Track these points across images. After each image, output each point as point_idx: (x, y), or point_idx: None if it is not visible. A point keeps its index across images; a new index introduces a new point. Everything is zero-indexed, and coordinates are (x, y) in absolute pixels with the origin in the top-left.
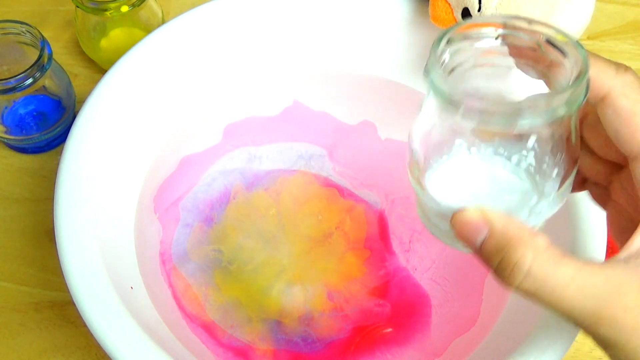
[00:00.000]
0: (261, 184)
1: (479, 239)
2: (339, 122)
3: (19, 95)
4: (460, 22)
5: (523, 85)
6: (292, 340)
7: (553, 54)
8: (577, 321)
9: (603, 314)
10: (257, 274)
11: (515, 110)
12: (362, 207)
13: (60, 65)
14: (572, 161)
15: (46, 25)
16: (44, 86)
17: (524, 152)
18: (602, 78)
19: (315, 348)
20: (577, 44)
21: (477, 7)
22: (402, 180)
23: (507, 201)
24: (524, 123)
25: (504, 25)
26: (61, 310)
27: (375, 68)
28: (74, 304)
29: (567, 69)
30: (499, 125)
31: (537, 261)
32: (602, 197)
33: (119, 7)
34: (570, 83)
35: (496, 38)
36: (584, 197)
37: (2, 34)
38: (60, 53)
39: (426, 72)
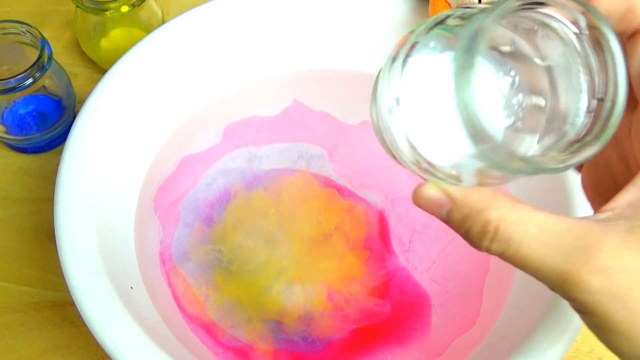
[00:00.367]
0: (261, 183)
1: (443, 212)
2: (339, 122)
3: (19, 95)
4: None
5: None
6: (292, 340)
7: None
8: (545, 282)
9: (570, 276)
10: (257, 274)
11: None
12: (362, 207)
13: (60, 65)
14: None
15: (46, 25)
16: (44, 86)
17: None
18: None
19: (315, 348)
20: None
21: None
22: (402, 180)
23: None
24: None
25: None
26: (61, 310)
27: (376, 68)
28: (74, 304)
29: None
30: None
31: (502, 222)
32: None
33: (119, 7)
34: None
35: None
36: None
37: (2, 34)
38: (60, 53)
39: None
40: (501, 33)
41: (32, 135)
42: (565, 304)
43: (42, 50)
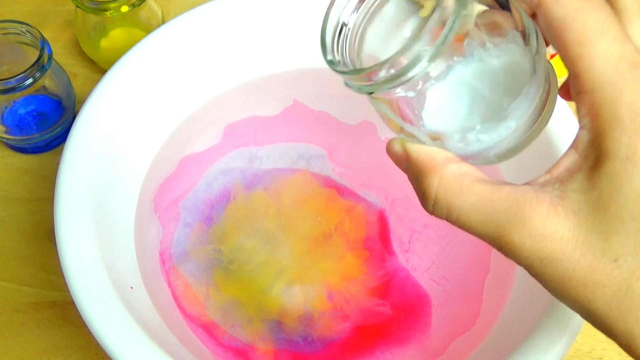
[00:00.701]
0: (261, 183)
1: (404, 167)
2: (339, 122)
3: (19, 95)
4: None
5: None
6: (293, 340)
7: None
8: (490, 244)
9: (505, 241)
10: (257, 274)
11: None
12: (361, 207)
13: (60, 65)
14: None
15: (46, 25)
16: (44, 86)
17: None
18: None
19: (315, 348)
20: None
21: None
22: (402, 180)
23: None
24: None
25: None
26: (61, 310)
27: None
28: (74, 304)
29: None
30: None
31: (441, 189)
32: None
33: (119, 7)
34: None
35: None
36: None
37: (2, 34)
38: (60, 53)
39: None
40: None
41: (32, 135)
42: None
43: (42, 50)
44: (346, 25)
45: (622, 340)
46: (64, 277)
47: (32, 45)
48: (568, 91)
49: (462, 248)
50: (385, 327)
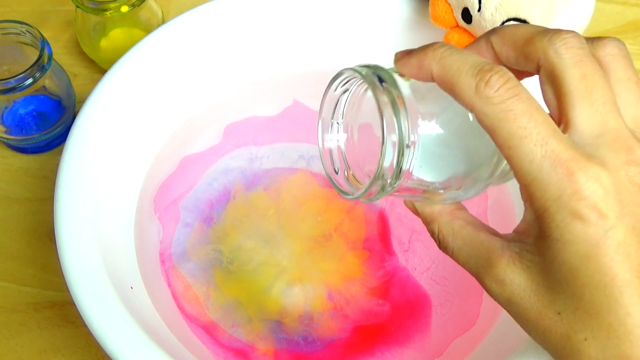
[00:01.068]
0: (261, 183)
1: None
2: None
3: (19, 95)
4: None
5: None
6: (293, 340)
7: None
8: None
9: (480, 279)
10: (257, 274)
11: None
12: (361, 208)
13: (60, 65)
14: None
15: (46, 25)
16: (44, 86)
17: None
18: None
19: (315, 348)
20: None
21: (477, 7)
22: None
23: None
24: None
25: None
26: (61, 310)
27: None
28: (74, 304)
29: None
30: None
31: (440, 234)
32: None
33: (119, 7)
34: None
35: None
36: None
37: (2, 34)
38: (60, 53)
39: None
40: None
41: (32, 135)
42: None
43: (42, 50)
44: (340, 124)
45: None
46: (64, 277)
47: (32, 45)
48: None
49: None
50: (385, 327)
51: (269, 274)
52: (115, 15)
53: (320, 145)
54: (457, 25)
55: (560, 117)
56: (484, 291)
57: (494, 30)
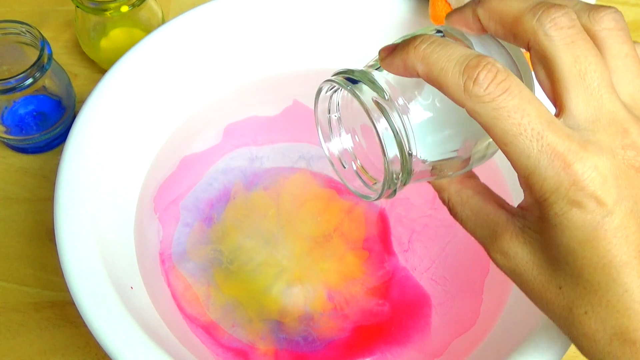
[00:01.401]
0: (261, 183)
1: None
2: None
3: (19, 95)
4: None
5: None
6: (293, 340)
7: None
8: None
9: (486, 249)
10: (257, 274)
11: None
12: (361, 208)
13: (60, 65)
14: None
15: (46, 25)
16: (44, 86)
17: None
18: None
19: (315, 348)
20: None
21: None
22: None
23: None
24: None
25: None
26: (61, 310)
27: None
28: (74, 304)
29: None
30: None
31: (450, 202)
32: None
33: (119, 7)
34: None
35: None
36: None
37: (2, 34)
38: (60, 53)
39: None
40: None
41: (32, 135)
42: None
43: (42, 50)
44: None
45: (574, 343)
46: (64, 277)
47: (32, 45)
48: None
49: (462, 248)
50: (385, 327)
51: (269, 274)
52: (115, 15)
53: (328, 154)
54: None
55: (555, 101)
56: (484, 291)
57: (480, 1)
